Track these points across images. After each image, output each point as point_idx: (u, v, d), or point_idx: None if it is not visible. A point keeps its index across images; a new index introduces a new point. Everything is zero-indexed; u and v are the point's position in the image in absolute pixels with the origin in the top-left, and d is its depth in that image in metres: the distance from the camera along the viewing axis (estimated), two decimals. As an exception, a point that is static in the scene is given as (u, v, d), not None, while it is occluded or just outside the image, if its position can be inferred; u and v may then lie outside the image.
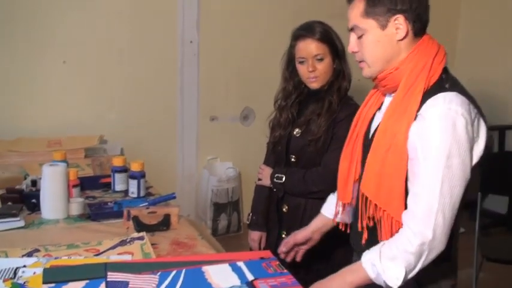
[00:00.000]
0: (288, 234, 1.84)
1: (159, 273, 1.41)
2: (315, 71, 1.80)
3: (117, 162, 2.27)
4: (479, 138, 1.26)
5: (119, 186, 2.26)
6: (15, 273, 1.45)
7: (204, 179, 3.81)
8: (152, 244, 1.69)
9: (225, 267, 1.46)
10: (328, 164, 1.76)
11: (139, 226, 1.81)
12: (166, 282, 1.37)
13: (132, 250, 1.63)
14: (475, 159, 1.25)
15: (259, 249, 2.01)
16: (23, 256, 1.57)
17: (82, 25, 3.33)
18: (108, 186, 2.30)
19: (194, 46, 3.68)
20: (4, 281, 1.41)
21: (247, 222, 2.08)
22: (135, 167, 2.18)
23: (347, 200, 1.47)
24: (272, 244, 1.88)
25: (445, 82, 1.26)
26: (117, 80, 3.51)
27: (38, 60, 3.24)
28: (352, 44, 1.35)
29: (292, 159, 1.88)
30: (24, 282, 1.40)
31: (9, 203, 1.98)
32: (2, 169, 2.56)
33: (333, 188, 1.60)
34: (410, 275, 1.22)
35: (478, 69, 4.60)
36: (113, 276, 1.38)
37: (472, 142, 1.23)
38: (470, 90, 1.31)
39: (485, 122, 1.28)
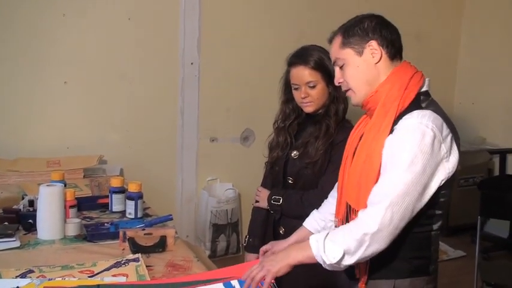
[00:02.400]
0: (285, 231, 1.86)
1: None
2: (307, 97, 1.82)
3: (115, 183, 2.27)
4: (450, 156, 1.34)
5: (116, 206, 2.25)
6: (8, 295, 1.44)
7: (203, 200, 3.80)
8: (147, 266, 1.68)
9: (219, 287, 1.46)
10: (325, 187, 1.76)
11: (135, 247, 1.80)
12: None
13: (126, 272, 1.62)
14: (443, 176, 1.33)
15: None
16: (16, 277, 1.57)
17: (84, 46, 3.35)
18: (105, 207, 2.30)
19: (195, 67, 3.69)
20: (-3, 302, 1.40)
21: (245, 245, 2.06)
22: (132, 188, 2.18)
23: (341, 216, 1.48)
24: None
25: (422, 102, 1.37)
26: (118, 101, 3.52)
27: (39, 80, 3.25)
28: (337, 76, 1.49)
29: (290, 181, 1.88)
30: (17, 304, 1.39)
31: (6, 223, 1.97)
32: (1, 189, 2.57)
33: None
34: (347, 261, 1.29)
35: (480, 94, 4.63)
36: None
37: (438, 157, 1.30)
38: (472, 114, 1.37)
39: (458, 144, 1.38)
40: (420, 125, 1.29)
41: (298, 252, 1.36)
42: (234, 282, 1.48)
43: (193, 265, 1.72)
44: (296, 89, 1.84)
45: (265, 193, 1.94)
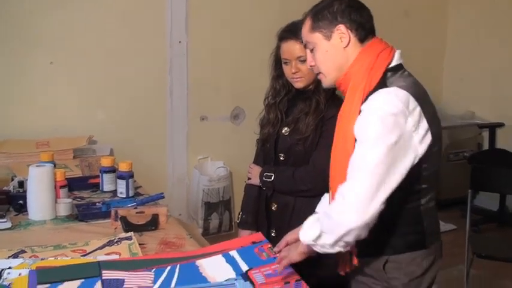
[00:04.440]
0: (277, 233, 1.84)
1: (153, 270, 1.41)
2: (298, 72, 1.80)
3: (106, 162, 2.26)
4: (419, 129, 1.31)
5: (107, 186, 2.24)
6: (0, 275, 1.43)
7: (195, 178, 3.80)
8: (140, 244, 1.68)
9: (219, 259, 1.48)
10: (316, 163, 1.75)
11: (127, 226, 1.80)
12: (162, 277, 1.38)
13: (119, 250, 1.61)
14: (415, 148, 1.30)
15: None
16: (8, 257, 1.56)
17: (69, 25, 3.30)
18: (96, 187, 2.29)
19: (183, 46, 3.66)
20: (-11, 282, 1.39)
21: (238, 221, 2.07)
22: (123, 167, 2.17)
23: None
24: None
25: (388, 78, 1.36)
26: (106, 81, 3.49)
27: (25, 61, 3.20)
28: (308, 59, 1.49)
29: (281, 158, 1.87)
30: (9, 284, 1.38)
31: (-4, 205, 1.96)
32: (-10, 170, 2.55)
33: (321, 186, 1.59)
34: (327, 239, 1.30)
35: (468, 69, 4.64)
36: (107, 274, 1.38)
37: (404, 131, 1.28)
38: (461, 89, 1.36)
39: (432, 116, 1.35)
40: (383, 102, 1.29)
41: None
42: (233, 253, 1.51)
43: (186, 242, 1.72)
44: (286, 63, 1.83)
45: (257, 170, 1.94)
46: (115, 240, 1.69)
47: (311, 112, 1.78)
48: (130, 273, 1.39)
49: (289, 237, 1.56)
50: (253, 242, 1.58)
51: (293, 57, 1.79)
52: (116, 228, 1.82)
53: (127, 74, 3.53)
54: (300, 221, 1.60)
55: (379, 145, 1.26)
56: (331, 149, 1.44)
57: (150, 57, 3.60)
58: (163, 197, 2.08)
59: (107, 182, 2.24)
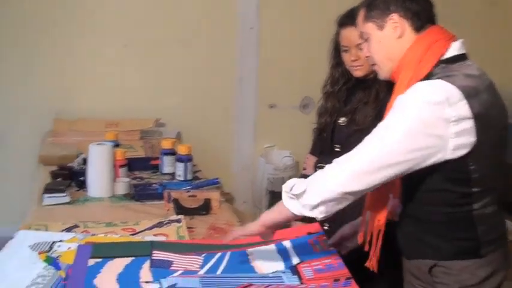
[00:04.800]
0: (330, 226, 1.78)
1: (203, 255, 1.40)
2: (358, 60, 1.72)
3: (166, 144, 2.28)
4: (462, 123, 1.19)
5: (166, 168, 2.26)
6: (51, 247, 1.47)
7: (260, 167, 3.77)
8: (189, 227, 1.68)
9: (271, 249, 1.44)
10: None
11: (179, 209, 1.80)
12: (210, 263, 1.37)
13: (167, 232, 1.62)
14: (457, 143, 1.19)
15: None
16: (62, 231, 1.60)
17: (143, 10, 3.36)
18: (157, 168, 2.31)
19: (254, 32, 3.63)
20: (39, 253, 1.43)
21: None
22: (182, 150, 2.18)
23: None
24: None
25: (437, 71, 1.26)
26: (177, 65, 3.52)
27: (100, 43, 3.30)
28: (364, 50, 1.44)
29: (337, 149, 1.80)
30: (58, 257, 1.42)
31: (59, 179, 2.03)
32: (60, 147, 2.65)
33: None
34: (310, 198, 1.25)
35: None
36: (157, 254, 1.39)
37: (431, 121, 1.19)
38: None
39: (478, 109, 1.22)
40: (418, 91, 1.21)
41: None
42: (286, 243, 1.47)
43: (235, 229, 1.69)
44: (346, 51, 1.75)
45: (312, 160, 1.88)
46: (165, 222, 1.70)
47: (370, 102, 1.70)
48: (179, 255, 1.40)
49: (345, 230, 1.52)
50: (309, 233, 1.54)
51: (352, 44, 1.72)
52: (168, 210, 1.84)
53: (197, 58, 3.55)
54: (353, 215, 1.54)
55: (401, 125, 1.20)
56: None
57: (221, 43, 3.60)
58: (218, 182, 2.08)
59: (167, 164, 2.26)
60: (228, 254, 1.42)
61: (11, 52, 3.18)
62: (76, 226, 1.65)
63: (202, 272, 1.34)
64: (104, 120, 3.09)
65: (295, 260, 1.40)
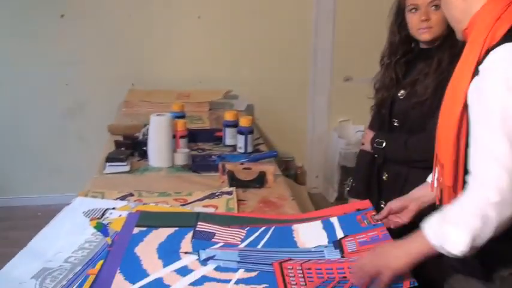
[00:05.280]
0: (387, 204, 1.70)
1: (247, 228, 1.40)
2: (428, 21, 1.57)
3: (228, 116, 2.27)
4: None
5: (228, 140, 2.26)
6: (103, 214, 1.52)
7: (333, 141, 3.70)
8: (241, 200, 1.67)
9: (317, 225, 1.42)
10: (433, 130, 1.55)
11: (233, 181, 1.79)
12: (252, 237, 1.37)
13: (217, 204, 1.62)
14: None
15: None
16: (116, 199, 1.65)
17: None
18: (220, 140, 2.31)
19: (329, 3, 3.51)
20: (91, 219, 1.48)
21: (348, 189, 1.96)
22: (243, 123, 2.16)
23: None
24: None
25: None
26: (251, 38, 3.50)
27: (175, 15, 3.35)
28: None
29: (395, 124, 1.70)
30: (108, 223, 1.46)
31: (122, 149, 2.09)
32: (131, 117, 2.72)
33: None
34: (478, 242, 1.04)
35: None
36: (202, 226, 1.41)
37: None
38: None
39: None
40: (504, 63, 1.05)
41: (416, 247, 1.11)
42: (333, 219, 1.44)
43: (286, 204, 1.66)
44: (414, 11, 1.61)
45: (369, 135, 1.79)
46: (216, 194, 1.70)
47: (431, 73, 1.57)
48: (223, 228, 1.40)
49: (393, 204, 1.44)
50: (358, 209, 1.49)
51: (424, 2, 1.57)
52: (223, 181, 1.83)
53: (272, 31, 3.51)
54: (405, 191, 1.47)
55: (507, 129, 1.02)
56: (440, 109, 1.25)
57: (296, 14, 3.52)
58: (275, 156, 2.04)
59: (229, 136, 2.25)
60: (272, 228, 1.40)
61: (91, 24, 3.30)
62: (131, 195, 1.68)
63: (242, 245, 1.33)
64: (176, 92, 3.15)
65: (339, 235, 1.37)
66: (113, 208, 1.56)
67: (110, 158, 1.94)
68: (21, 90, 3.35)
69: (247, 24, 3.48)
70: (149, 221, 1.45)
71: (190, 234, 1.37)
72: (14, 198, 3.49)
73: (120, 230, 1.41)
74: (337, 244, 1.33)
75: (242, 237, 1.37)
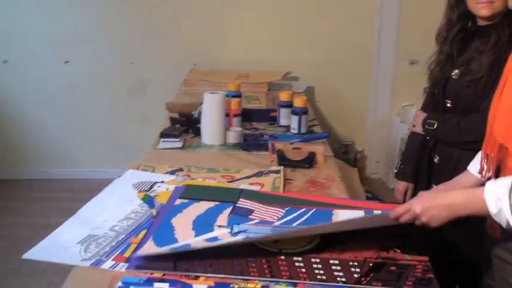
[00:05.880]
0: None
1: (287, 208, 1.38)
2: None
3: (283, 96, 2.26)
4: None
5: (283, 120, 2.25)
6: (151, 187, 1.56)
7: (394, 125, 3.61)
8: (288, 179, 1.66)
9: (359, 214, 1.36)
10: (487, 111, 1.48)
11: (282, 160, 1.79)
12: (290, 217, 1.34)
13: (263, 182, 1.62)
14: None
15: (404, 201, 1.84)
16: (166, 173, 1.68)
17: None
18: (275, 120, 2.31)
19: (396, -16, 3.42)
20: (139, 192, 1.52)
21: (395, 171, 1.90)
22: (297, 103, 2.14)
23: (490, 150, 1.23)
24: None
25: None
26: (313, 18, 3.46)
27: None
28: None
29: (448, 105, 1.63)
30: (155, 196, 1.49)
31: (177, 125, 2.13)
32: (190, 96, 2.77)
33: None
34: None
35: None
36: (242, 203, 1.41)
37: None
38: None
39: None
40: None
41: (466, 208, 1.10)
42: (376, 211, 1.36)
43: (333, 185, 1.63)
44: None
45: (421, 117, 1.73)
46: (264, 172, 1.70)
47: (486, 50, 1.49)
48: (263, 206, 1.40)
49: (425, 196, 1.25)
50: None
51: None
52: (272, 160, 1.83)
53: (335, 12, 3.46)
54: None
55: None
56: (500, 86, 1.19)
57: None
58: (327, 137, 2.01)
59: (283, 117, 2.24)
60: (313, 210, 1.38)
61: (156, 5, 3.37)
62: (180, 170, 1.72)
63: (277, 223, 1.31)
64: (236, 72, 3.17)
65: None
66: (161, 182, 1.60)
67: (164, 134, 1.99)
68: (88, 68, 3.48)
69: (310, 5, 3.45)
70: (192, 194, 1.47)
71: (229, 210, 1.37)
72: (78, 171, 3.65)
73: (165, 203, 1.44)
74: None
75: (280, 215, 1.35)
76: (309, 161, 1.78)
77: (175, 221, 1.31)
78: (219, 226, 1.29)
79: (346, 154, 3.70)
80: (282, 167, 1.73)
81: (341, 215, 1.34)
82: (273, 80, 3.02)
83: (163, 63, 3.48)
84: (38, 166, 3.67)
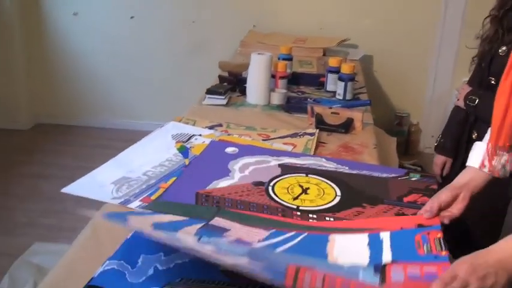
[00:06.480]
0: None
1: (272, 231, 1.11)
2: None
3: (332, 62, 2.26)
4: None
5: (330, 86, 2.27)
6: (189, 139, 1.64)
7: (452, 101, 3.51)
8: (323, 142, 1.70)
9: (361, 239, 1.10)
10: None
11: (319, 124, 1.82)
12: (274, 240, 1.07)
13: (296, 142, 1.66)
14: None
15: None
16: (205, 127, 1.76)
17: None
18: (322, 85, 2.33)
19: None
20: (177, 142, 1.61)
21: (435, 144, 1.89)
22: (344, 69, 2.15)
23: (502, 142, 1.17)
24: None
25: None
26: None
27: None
28: None
29: (492, 82, 1.59)
30: (190, 147, 1.57)
31: (225, 84, 2.19)
32: (245, 57, 2.81)
33: None
34: None
35: None
36: (218, 221, 1.13)
37: None
38: None
39: None
40: None
41: None
42: (384, 235, 1.11)
43: (366, 151, 1.65)
44: None
45: (465, 90, 1.70)
46: (299, 133, 1.74)
47: None
48: (242, 226, 1.12)
49: (442, 197, 1.17)
50: (420, 225, 1.15)
51: None
52: (311, 123, 1.86)
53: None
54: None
55: None
56: None
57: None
58: (369, 104, 2.02)
59: (330, 82, 2.26)
60: (304, 234, 1.11)
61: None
62: (219, 125, 1.79)
63: (258, 245, 1.04)
64: (294, 36, 3.18)
65: (386, 258, 1.02)
66: (199, 135, 1.67)
67: (210, 91, 2.06)
68: (152, 24, 3.60)
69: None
70: (161, 208, 1.21)
71: (199, 225, 1.10)
72: (136, 123, 3.81)
73: (199, 154, 1.52)
74: (379, 269, 0.99)
75: (261, 238, 1.08)
76: (346, 126, 1.81)
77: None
78: (184, 233, 1.05)
79: (400, 126, 3.65)
80: (318, 130, 1.76)
81: (338, 241, 1.09)
82: (328, 46, 3.02)
83: (224, 24, 3.54)
84: (101, 115, 3.87)
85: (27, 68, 3.78)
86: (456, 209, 1.17)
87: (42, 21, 3.67)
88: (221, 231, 1.09)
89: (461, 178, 1.23)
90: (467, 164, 1.24)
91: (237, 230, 1.10)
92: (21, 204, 2.81)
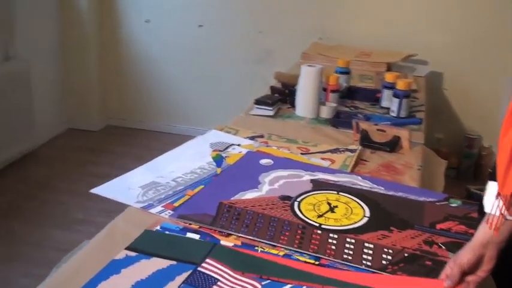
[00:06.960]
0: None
1: (265, 283, 1.01)
2: None
3: (388, 78, 2.19)
4: None
5: (385, 102, 2.19)
6: (226, 148, 1.63)
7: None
8: (363, 160, 1.64)
9: None
10: None
11: (364, 141, 1.76)
12: None
13: (335, 158, 1.62)
14: None
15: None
16: (246, 137, 1.75)
17: None
18: (378, 101, 2.26)
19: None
20: (213, 150, 1.61)
21: (490, 171, 1.76)
22: (400, 86, 2.07)
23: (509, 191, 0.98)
24: None
25: None
26: (448, 2, 3.27)
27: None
28: None
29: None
30: (225, 156, 1.57)
31: (276, 95, 2.17)
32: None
33: None
34: None
35: None
36: (207, 265, 1.04)
37: None
38: None
39: None
40: None
41: None
42: None
43: (407, 172, 1.58)
44: None
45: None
46: (340, 149, 1.69)
47: None
48: (234, 274, 1.02)
49: (464, 260, 1.02)
50: None
51: None
52: (356, 140, 1.81)
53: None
54: None
55: None
56: None
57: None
58: (419, 122, 1.93)
59: (385, 98, 2.19)
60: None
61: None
62: (261, 136, 1.77)
63: None
64: (358, 49, 3.11)
65: None
66: (238, 144, 1.66)
67: (259, 101, 2.05)
68: (219, 34, 3.66)
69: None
70: (147, 244, 1.10)
71: (185, 275, 1.00)
72: (199, 129, 3.86)
73: (232, 164, 1.51)
74: None
75: None
76: (391, 145, 1.73)
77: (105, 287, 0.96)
78: None
79: (470, 148, 3.47)
80: (360, 146, 1.70)
81: None
82: (392, 60, 2.92)
83: (290, 34, 3.53)
84: (166, 120, 3.97)
85: (101, 73, 3.95)
86: (483, 272, 1.03)
87: (116, 28, 3.83)
88: (209, 282, 0.99)
89: (482, 234, 1.03)
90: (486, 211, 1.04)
91: (226, 281, 1.00)
92: (82, 201, 2.92)
